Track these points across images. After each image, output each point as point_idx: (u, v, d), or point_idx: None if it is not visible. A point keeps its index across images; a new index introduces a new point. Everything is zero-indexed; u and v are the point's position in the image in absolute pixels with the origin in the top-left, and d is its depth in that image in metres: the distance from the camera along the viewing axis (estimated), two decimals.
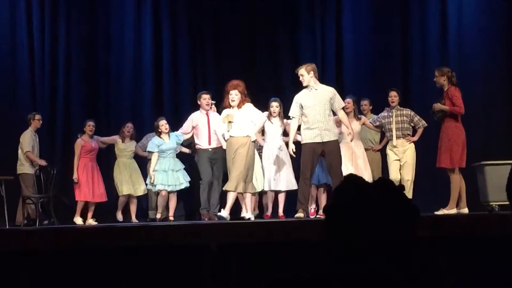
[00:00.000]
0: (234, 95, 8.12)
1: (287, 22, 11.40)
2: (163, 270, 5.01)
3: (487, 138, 10.09)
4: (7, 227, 8.66)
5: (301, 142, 8.00)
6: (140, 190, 9.88)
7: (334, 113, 8.14)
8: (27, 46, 10.88)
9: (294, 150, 8.16)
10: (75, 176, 9.50)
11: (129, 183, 9.78)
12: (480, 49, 10.39)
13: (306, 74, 7.93)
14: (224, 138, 8.25)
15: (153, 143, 9.34)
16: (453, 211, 7.85)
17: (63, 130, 10.73)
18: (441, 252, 4.97)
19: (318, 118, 7.84)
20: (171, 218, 9.22)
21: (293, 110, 8.06)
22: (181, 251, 5.10)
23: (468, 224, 5.84)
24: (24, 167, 9.66)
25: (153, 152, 9.28)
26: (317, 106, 7.87)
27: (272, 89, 10.57)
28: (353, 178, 2.18)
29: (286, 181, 8.93)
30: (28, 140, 9.62)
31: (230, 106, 8.22)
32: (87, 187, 9.50)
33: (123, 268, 5.05)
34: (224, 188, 8.18)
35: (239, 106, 8.16)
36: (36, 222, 9.21)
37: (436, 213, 7.77)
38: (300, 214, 7.79)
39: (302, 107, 7.94)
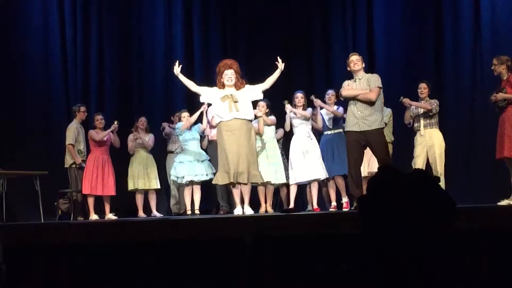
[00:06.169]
0: (231, 74, 7.74)
1: (319, 13, 11.37)
2: (198, 265, 4.99)
3: None
4: (42, 221, 8.74)
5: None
6: (154, 184, 9.79)
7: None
8: (60, 46, 11.02)
9: None
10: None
11: (143, 177, 9.73)
12: None
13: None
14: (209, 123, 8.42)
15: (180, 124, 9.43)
16: None
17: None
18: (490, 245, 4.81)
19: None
20: (197, 211, 9.16)
21: None
22: (217, 245, 5.07)
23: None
24: (71, 160, 9.58)
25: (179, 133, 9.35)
26: None
27: (305, 82, 10.61)
28: (389, 169, 2.14)
29: (317, 171, 8.67)
30: (70, 133, 9.48)
31: (223, 87, 7.85)
32: (93, 181, 9.28)
33: (157, 263, 5.05)
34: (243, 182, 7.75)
35: (236, 87, 7.81)
36: (70, 216, 9.29)
37: (499, 203, 7.41)
38: None
39: None
